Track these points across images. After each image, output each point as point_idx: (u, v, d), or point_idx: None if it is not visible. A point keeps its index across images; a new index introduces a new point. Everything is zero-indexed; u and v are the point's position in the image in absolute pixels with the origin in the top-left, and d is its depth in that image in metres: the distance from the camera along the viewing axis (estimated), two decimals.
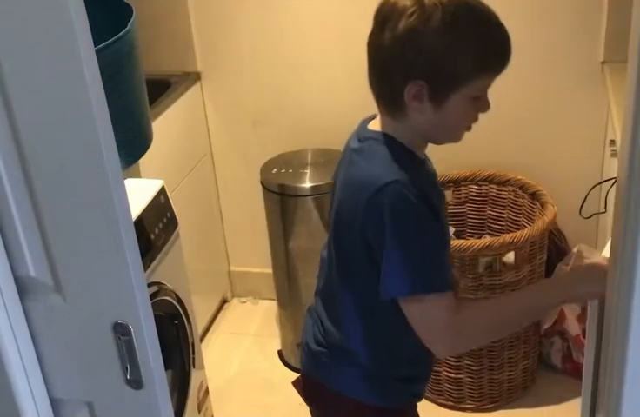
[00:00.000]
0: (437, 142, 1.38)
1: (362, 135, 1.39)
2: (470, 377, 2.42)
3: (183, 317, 2.10)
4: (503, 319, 1.36)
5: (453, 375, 2.43)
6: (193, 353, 2.17)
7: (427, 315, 1.30)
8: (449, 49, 1.24)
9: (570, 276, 1.40)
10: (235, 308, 3.04)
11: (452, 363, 2.41)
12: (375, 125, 1.39)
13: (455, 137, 1.37)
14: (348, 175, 1.38)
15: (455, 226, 2.62)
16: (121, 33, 1.57)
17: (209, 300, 2.91)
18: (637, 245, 0.85)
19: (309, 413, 1.61)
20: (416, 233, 1.28)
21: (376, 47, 1.30)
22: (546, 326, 2.48)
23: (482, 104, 1.32)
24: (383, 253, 1.28)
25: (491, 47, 1.28)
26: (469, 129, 1.36)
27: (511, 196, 2.53)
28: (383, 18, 1.27)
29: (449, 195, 2.59)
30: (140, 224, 1.88)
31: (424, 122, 1.31)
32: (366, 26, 1.31)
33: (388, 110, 1.34)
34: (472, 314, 1.34)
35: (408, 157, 1.34)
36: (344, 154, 1.44)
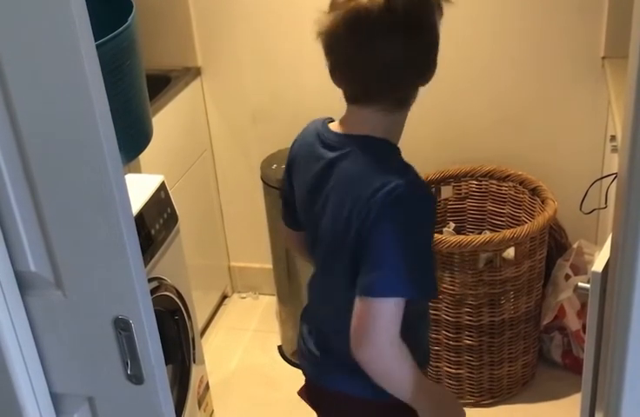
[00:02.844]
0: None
1: (333, 140, 1.37)
2: (469, 372, 2.42)
3: (184, 312, 2.11)
4: (396, 377, 1.32)
5: (453, 371, 2.43)
6: (193, 348, 2.17)
7: (376, 320, 1.27)
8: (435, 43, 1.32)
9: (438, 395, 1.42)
10: (235, 304, 3.04)
11: (452, 359, 2.42)
12: (345, 129, 1.37)
13: None
14: (341, 185, 1.34)
15: (455, 221, 2.62)
16: (121, 28, 1.57)
17: (209, 295, 2.91)
18: (638, 240, 0.85)
19: (308, 408, 1.60)
20: (419, 234, 1.28)
21: (376, 51, 1.30)
22: (546, 321, 2.48)
23: None
24: (379, 251, 1.27)
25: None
26: None
27: (512, 192, 2.52)
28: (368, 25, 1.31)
29: (449, 190, 2.59)
30: (140, 219, 1.88)
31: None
32: None
33: (384, 107, 1.33)
34: (401, 352, 1.29)
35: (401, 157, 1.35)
36: (308, 164, 1.43)
